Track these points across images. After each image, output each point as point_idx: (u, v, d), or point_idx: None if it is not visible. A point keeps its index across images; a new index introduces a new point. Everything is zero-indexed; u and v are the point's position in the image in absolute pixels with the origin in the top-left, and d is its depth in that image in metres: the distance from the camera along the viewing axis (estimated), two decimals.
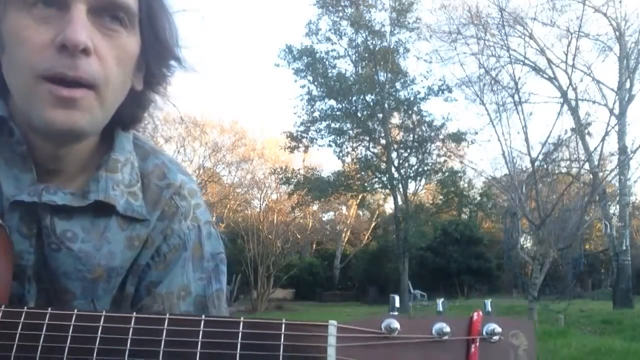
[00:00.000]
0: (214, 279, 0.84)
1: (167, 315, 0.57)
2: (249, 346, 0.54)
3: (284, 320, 0.55)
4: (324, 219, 32.30)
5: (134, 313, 0.58)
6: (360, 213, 32.81)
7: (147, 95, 0.81)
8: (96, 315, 0.58)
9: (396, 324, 0.54)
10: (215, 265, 0.86)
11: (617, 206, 17.21)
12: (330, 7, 20.13)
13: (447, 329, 0.54)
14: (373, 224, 31.41)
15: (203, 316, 0.56)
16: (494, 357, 0.54)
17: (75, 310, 0.58)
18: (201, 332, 0.55)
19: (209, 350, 0.54)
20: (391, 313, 0.55)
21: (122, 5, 0.69)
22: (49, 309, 0.58)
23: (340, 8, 20.16)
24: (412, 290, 20.54)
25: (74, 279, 0.75)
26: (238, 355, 0.54)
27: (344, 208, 31.87)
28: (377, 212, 31.48)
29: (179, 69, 0.82)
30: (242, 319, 0.56)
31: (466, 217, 28.13)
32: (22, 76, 0.67)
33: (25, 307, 0.58)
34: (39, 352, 0.55)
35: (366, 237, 31.18)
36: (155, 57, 0.77)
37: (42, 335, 0.56)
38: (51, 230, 0.73)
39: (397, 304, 0.56)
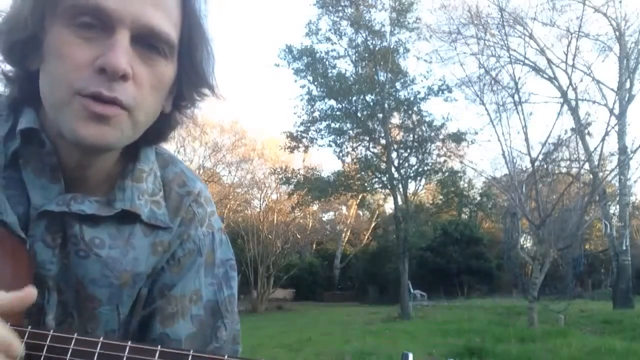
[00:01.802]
0: (224, 284, 0.87)
1: (191, 352, 0.59)
2: None
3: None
4: (324, 219, 32.33)
5: (159, 346, 0.60)
6: (360, 213, 32.81)
7: (174, 116, 0.83)
8: (121, 345, 0.60)
9: None
10: (225, 272, 0.88)
11: (617, 206, 17.20)
12: (330, 7, 20.11)
13: None
14: (373, 224, 31.42)
15: (191, 351, 0.60)
16: None
17: (101, 338, 0.60)
18: None
19: None
20: None
21: (164, 36, 0.70)
22: (75, 334, 0.60)
23: (340, 8, 20.15)
24: (412, 290, 20.54)
25: (101, 286, 0.77)
26: None
27: (344, 208, 31.86)
28: (377, 212, 31.49)
29: (210, 96, 0.83)
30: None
31: (466, 217, 28.14)
32: (58, 90, 0.68)
33: (52, 331, 0.60)
34: None
35: (366, 237, 31.18)
36: (189, 85, 0.79)
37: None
38: (80, 238, 0.75)
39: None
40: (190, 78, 0.78)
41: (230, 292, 0.87)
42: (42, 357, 0.58)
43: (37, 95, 0.72)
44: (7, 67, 0.75)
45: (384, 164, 20.15)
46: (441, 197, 22.56)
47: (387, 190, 21.41)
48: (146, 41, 0.70)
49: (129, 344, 0.59)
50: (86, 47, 0.67)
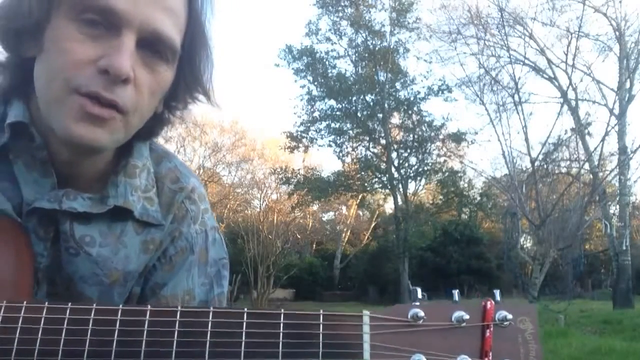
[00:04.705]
0: (215, 283, 0.86)
1: (212, 309, 0.60)
2: (291, 335, 0.59)
3: (321, 312, 0.60)
4: (324, 219, 32.34)
5: (179, 307, 0.60)
6: (360, 213, 32.81)
7: (166, 115, 0.82)
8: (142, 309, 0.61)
9: (421, 313, 0.61)
10: (217, 271, 0.87)
11: (617, 206, 17.18)
12: (330, 7, 20.13)
13: (466, 316, 0.61)
14: (373, 224, 31.40)
15: (245, 309, 0.60)
16: (505, 340, 0.62)
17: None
18: (244, 324, 0.59)
19: (253, 340, 0.58)
20: (414, 303, 0.62)
21: (169, 43, 0.70)
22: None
23: (340, 8, 20.16)
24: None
25: (91, 284, 0.76)
26: (281, 344, 0.58)
27: (344, 208, 31.86)
28: (377, 212, 31.47)
29: (204, 102, 0.82)
30: (282, 310, 0.60)
31: (466, 217, 28.12)
32: (54, 85, 0.67)
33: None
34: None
35: (366, 237, 31.17)
36: (185, 89, 0.78)
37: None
38: (70, 235, 0.74)
39: (420, 295, 0.63)
40: (187, 82, 0.77)
41: (221, 291, 0.86)
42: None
43: (28, 85, 0.70)
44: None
45: (384, 164, 20.17)
46: (441, 197, 22.58)
47: (387, 190, 21.42)
48: (151, 46, 0.69)
49: (149, 307, 0.60)
50: (89, 45, 0.65)
